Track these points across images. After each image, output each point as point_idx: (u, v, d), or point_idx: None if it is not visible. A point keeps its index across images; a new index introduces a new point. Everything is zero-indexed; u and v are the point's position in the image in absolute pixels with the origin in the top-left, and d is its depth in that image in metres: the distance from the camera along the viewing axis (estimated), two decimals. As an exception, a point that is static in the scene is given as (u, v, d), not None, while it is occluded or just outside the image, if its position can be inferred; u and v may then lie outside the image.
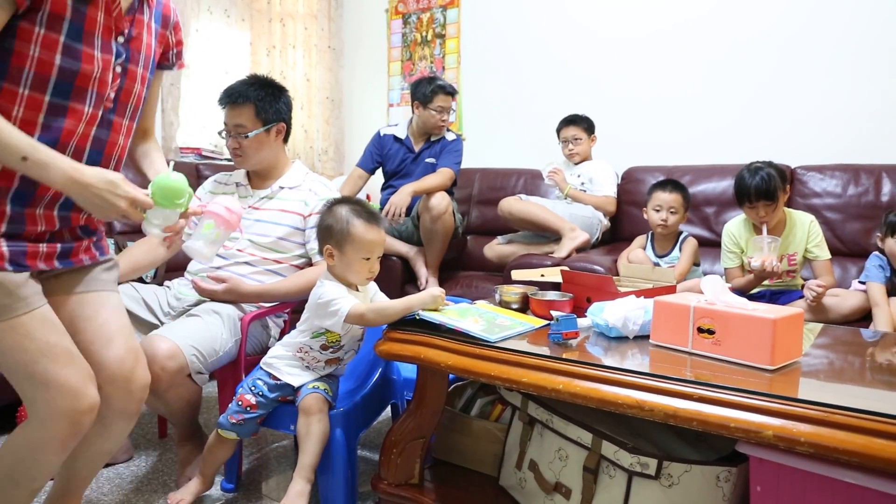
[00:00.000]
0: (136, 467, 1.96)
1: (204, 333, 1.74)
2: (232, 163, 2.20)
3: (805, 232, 2.37)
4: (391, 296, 2.97)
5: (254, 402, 1.63)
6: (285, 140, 2.14)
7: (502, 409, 1.64)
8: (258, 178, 2.13)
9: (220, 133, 2.09)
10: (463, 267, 3.38)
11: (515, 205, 3.02)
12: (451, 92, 3.16)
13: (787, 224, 2.39)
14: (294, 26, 4.36)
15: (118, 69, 1.31)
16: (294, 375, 1.65)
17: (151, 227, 1.32)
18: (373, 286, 1.76)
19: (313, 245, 2.03)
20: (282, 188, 2.08)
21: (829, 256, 2.36)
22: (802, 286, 2.29)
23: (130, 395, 1.37)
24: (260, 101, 2.02)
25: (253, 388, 1.65)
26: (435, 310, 1.47)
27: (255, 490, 1.80)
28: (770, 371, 1.15)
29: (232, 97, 2.01)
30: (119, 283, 1.59)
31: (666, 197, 2.58)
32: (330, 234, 1.60)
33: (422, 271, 3.01)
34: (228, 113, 2.03)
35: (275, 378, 1.65)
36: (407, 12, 4.33)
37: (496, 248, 3.15)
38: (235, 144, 2.03)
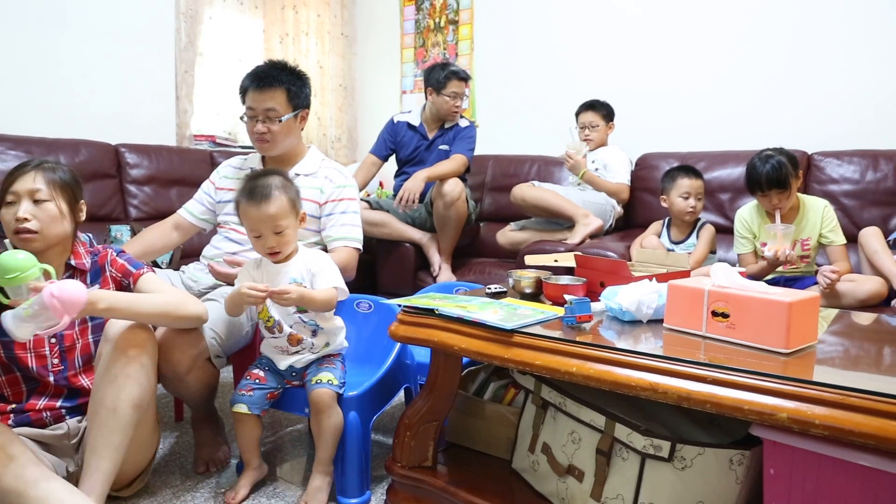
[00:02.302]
0: (154, 449, 1.99)
1: (223, 317, 1.76)
2: (245, 150, 2.21)
3: (819, 217, 2.35)
4: (404, 283, 3.03)
5: (262, 375, 1.66)
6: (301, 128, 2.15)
7: (515, 393, 1.65)
8: (275, 164, 2.12)
9: (241, 117, 2.06)
10: (476, 253, 3.38)
11: (528, 191, 3.02)
12: (464, 77, 3.15)
13: (800, 210, 2.37)
14: (307, 13, 4.36)
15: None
16: (276, 358, 1.69)
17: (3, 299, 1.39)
18: (316, 265, 1.66)
19: (329, 232, 2.04)
20: (297, 175, 2.08)
21: (844, 242, 2.34)
22: (816, 272, 2.27)
23: None
24: (292, 86, 2.02)
25: (260, 364, 1.69)
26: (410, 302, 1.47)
27: (271, 473, 1.82)
28: (785, 354, 1.15)
29: (264, 80, 1.98)
30: None
31: (693, 183, 2.57)
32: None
33: (435, 258, 3.02)
34: (257, 97, 1.99)
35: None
36: (420, -2, 4.31)
37: (509, 235, 3.16)
38: (264, 129, 2.00)
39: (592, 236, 2.82)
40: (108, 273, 1.61)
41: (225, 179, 2.15)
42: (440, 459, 1.63)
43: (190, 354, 1.64)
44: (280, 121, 2.00)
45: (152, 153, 3.31)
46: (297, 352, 1.68)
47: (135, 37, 3.47)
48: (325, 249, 2.06)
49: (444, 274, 2.96)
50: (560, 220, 3.02)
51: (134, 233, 2.73)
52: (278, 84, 2.00)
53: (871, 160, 2.71)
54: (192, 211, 2.15)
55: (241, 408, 1.64)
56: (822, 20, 2.99)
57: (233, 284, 1.89)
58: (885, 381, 1.07)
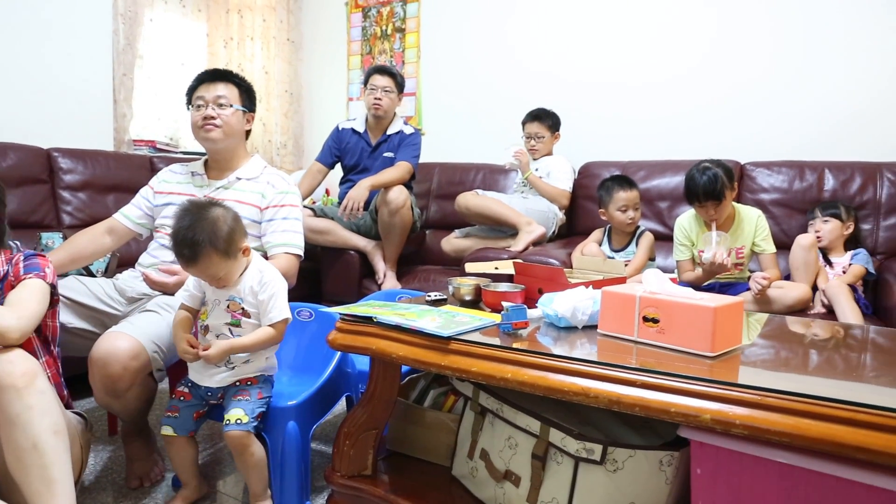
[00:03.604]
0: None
1: (163, 329, 1.70)
2: (187, 156, 2.18)
3: (753, 226, 2.44)
4: (349, 291, 3.01)
5: (186, 392, 1.63)
6: (246, 138, 2.15)
7: (455, 400, 1.66)
8: (216, 168, 2.10)
9: (187, 106, 2.07)
10: (422, 261, 3.39)
11: (472, 200, 3.04)
12: (385, 70, 3.17)
13: (735, 219, 2.46)
14: (252, 18, 4.30)
15: None
16: (196, 377, 1.65)
17: None
18: (264, 291, 1.60)
19: (269, 238, 2.02)
20: (239, 179, 2.06)
21: (775, 250, 2.44)
22: (749, 278, 2.36)
23: None
24: (242, 86, 2.08)
25: (185, 381, 1.65)
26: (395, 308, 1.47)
27: (210, 488, 1.78)
28: (711, 358, 1.19)
29: (217, 75, 2.04)
30: (60, 276, 1.55)
31: (629, 195, 2.63)
32: None
33: (380, 265, 3.01)
34: (209, 87, 2.02)
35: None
36: (367, 6, 4.31)
37: (453, 242, 3.17)
38: (213, 114, 1.99)
39: (536, 244, 2.86)
40: (10, 278, 1.49)
41: (164, 184, 2.10)
42: (381, 468, 1.62)
43: (131, 369, 1.57)
44: (231, 106, 2.01)
45: (88, 158, 3.20)
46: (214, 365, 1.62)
47: (68, 37, 3.35)
48: (265, 256, 2.04)
49: (389, 281, 2.96)
50: (504, 228, 3.05)
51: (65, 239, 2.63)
52: (231, 80, 2.06)
53: (798, 170, 2.83)
54: (129, 215, 2.09)
55: (168, 430, 1.60)
56: (755, 40, 3.12)
57: (169, 293, 1.85)
58: (800, 381, 1.12)
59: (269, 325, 1.60)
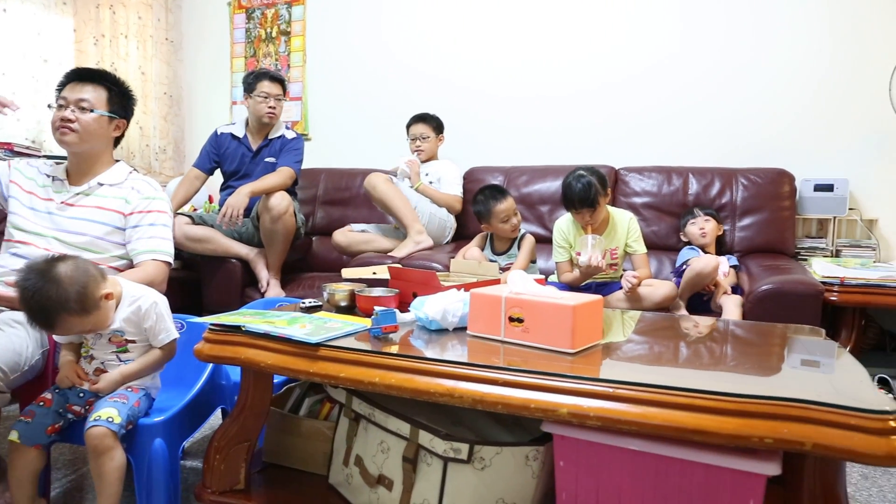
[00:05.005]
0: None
1: (6, 346, 1.57)
2: (53, 159, 2.02)
3: (625, 229, 2.57)
4: (231, 300, 2.91)
5: (49, 397, 1.51)
6: (116, 144, 2.03)
7: (331, 408, 1.63)
8: (76, 172, 1.96)
9: (49, 105, 1.92)
10: (308, 268, 3.33)
11: (382, 185, 2.99)
12: (276, 78, 3.11)
13: (609, 222, 2.58)
14: (126, 15, 4.08)
15: None
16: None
17: None
18: (146, 318, 1.55)
19: (135, 245, 1.91)
20: (101, 185, 1.94)
21: (646, 251, 2.58)
22: (622, 277, 2.48)
23: None
24: (115, 89, 1.95)
25: (53, 387, 1.54)
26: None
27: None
28: (571, 354, 1.24)
29: (86, 76, 1.91)
30: None
31: (506, 206, 2.68)
32: None
33: (262, 273, 2.93)
34: (75, 87, 1.89)
35: None
36: (251, 7, 4.20)
37: (349, 234, 3.11)
38: (71, 117, 1.85)
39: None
40: None
41: (22, 177, 1.94)
42: (256, 481, 1.57)
43: None
44: (92, 111, 1.88)
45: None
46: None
47: None
48: (130, 265, 1.93)
49: (273, 289, 2.88)
50: (399, 227, 3.03)
51: None
52: (102, 82, 1.92)
53: (666, 175, 3.02)
54: None
55: (14, 435, 1.46)
56: (629, 58, 3.30)
57: (17, 308, 1.71)
58: (650, 372, 1.19)
59: (159, 348, 1.57)
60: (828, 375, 1.24)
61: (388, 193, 2.98)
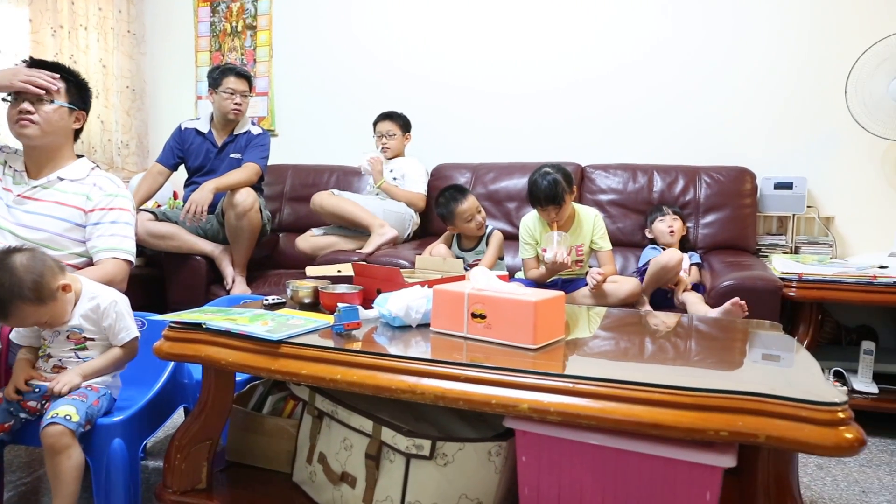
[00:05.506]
0: None
1: None
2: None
3: (591, 226, 2.59)
4: (196, 298, 2.86)
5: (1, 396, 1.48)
6: (76, 138, 1.99)
7: (294, 405, 1.62)
8: (34, 166, 1.92)
9: (4, 98, 1.87)
10: (274, 265, 3.29)
11: (327, 199, 3.00)
12: (241, 74, 3.08)
13: (575, 219, 2.60)
14: (86, 6, 3.97)
15: None
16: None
17: None
18: (105, 317, 1.54)
19: (95, 243, 1.88)
20: (61, 179, 1.90)
21: (611, 247, 2.61)
22: (587, 273, 2.51)
23: None
24: (73, 81, 1.92)
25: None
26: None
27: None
28: (533, 350, 1.24)
29: (44, 66, 1.87)
30: None
31: (469, 205, 2.69)
32: None
33: (228, 270, 2.89)
34: None
35: None
36: (215, 0, 4.13)
37: (311, 240, 3.09)
38: (31, 109, 1.81)
39: (388, 246, 2.86)
40: None
41: None
42: (218, 480, 1.55)
43: None
44: (52, 102, 1.84)
45: None
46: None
47: None
48: (90, 262, 1.89)
49: (239, 287, 2.84)
50: (360, 229, 3.03)
51: None
52: (60, 73, 1.89)
53: (632, 173, 3.05)
54: None
55: None
56: (597, 58, 3.32)
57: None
58: (610, 367, 1.20)
59: (119, 347, 1.56)
60: (783, 369, 1.27)
61: (336, 205, 2.99)
